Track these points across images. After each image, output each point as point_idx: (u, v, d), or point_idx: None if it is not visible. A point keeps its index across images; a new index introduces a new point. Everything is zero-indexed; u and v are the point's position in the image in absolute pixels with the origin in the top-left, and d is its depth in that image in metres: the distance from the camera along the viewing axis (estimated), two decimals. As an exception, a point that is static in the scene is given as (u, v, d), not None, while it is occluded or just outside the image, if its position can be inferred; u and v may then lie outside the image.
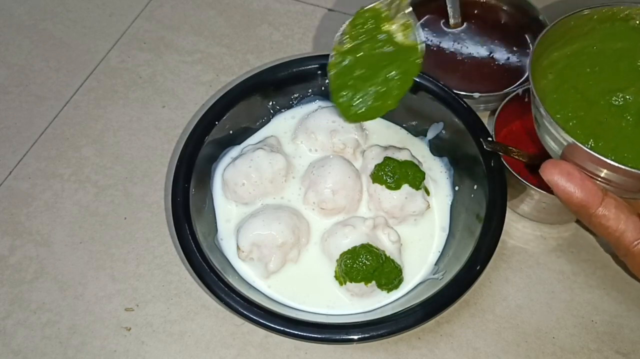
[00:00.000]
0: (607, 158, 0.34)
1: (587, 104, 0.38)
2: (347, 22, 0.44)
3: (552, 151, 0.39)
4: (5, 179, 0.56)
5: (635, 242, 0.36)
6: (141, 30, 0.67)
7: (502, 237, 0.43)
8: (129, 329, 0.47)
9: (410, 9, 0.43)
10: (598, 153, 0.34)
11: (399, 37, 0.43)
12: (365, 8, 0.43)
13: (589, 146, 0.36)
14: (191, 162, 0.48)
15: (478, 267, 0.42)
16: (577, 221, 0.51)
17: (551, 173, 0.37)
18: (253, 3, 0.69)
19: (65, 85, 0.62)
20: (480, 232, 0.44)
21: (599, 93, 0.38)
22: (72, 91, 0.62)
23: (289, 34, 0.66)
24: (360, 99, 0.43)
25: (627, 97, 0.37)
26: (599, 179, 0.36)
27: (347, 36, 0.43)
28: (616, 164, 0.33)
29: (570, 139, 0.35)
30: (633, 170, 0.33)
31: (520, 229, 0.51)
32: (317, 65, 0.52)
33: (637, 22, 0.40)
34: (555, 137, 0.37)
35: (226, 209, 0.50)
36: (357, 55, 0.43)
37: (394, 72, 0.43)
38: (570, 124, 0.37)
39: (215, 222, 0.49)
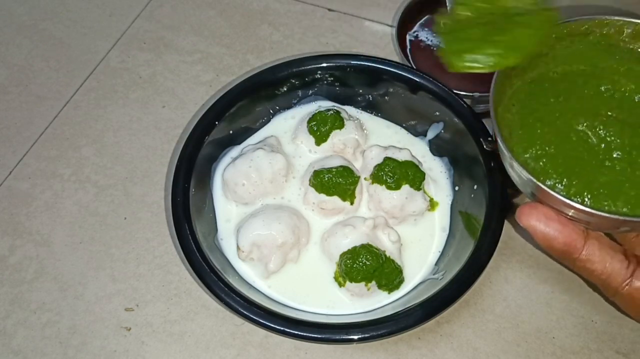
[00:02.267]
0: (583, 202, 0.32)
1: (556, 138, 0.36)
2: None
3: (518, 185, 0.37)
4: (5, 179, 0.56)
5: (624, 284, 0.35)
6: (141, 30, 0.67)
7: (502, 237, 0.43)
8: (129, 329, 0.47)
9: None
10: (571, 198, 0.32)
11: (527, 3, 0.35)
12: None
13: (562, 186, 0.34)
14: (191, 162, 0.48)
15: (478, 268, 0.42)
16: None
17: (528, 219, 0.35)
18: (253, 3, 0.69)
19: (65, 85, 0.62)
20: (480, 232, 0.44)
21: (566, 125, 0.36)
22: (72, 90, 0.62)
23: (289, 34, 0.66)
24: (475, 49, 0.34)
25: (596, 128, 0.35)
26: (577, 220, 0.35)
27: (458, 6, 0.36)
28: (592, 211, 0.32)
29: (541, 185, 0.33)
30: (611, 216, 0.32)
31: (520, 229, 0.51)
32: (317, 66, 0.52)
33: (597, 35, 0.39)
34: (524, 182, 0.35)
35: (226, 209, 0.50)
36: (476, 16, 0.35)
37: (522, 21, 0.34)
38: (541, 163, 0.35)
39: (215, 222, 0.49)
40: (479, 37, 0.34)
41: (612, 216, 0.32)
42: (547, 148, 0.36)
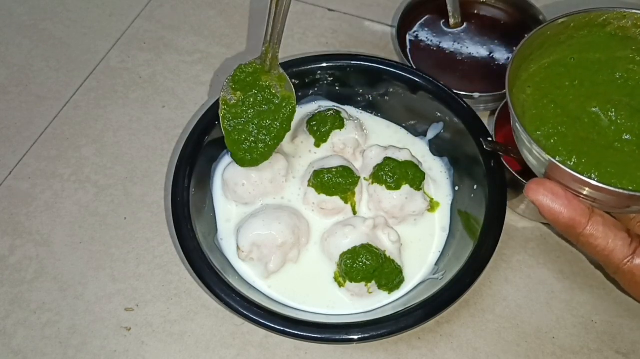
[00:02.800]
0: (590, 178, 0.33)
1: (568, 119, 0.37)
2: (229, 77, 0.47)
3: (534, 167, 0.38)
4: (5, 179, 0.56)
5: (625, 260, 0.36)
6: (141, 30, 0.67)
7: (502, 237, 0.43)
8: (129, 329, 0.47)
9: (280, 68, 0.47)
10: (580, 173, 0.33)
11: (277, 88, 0.47)
12: (245, 64, 0.47)
13: (571, 163, 0.35)
14: (191, 162, 0.48)
15: (478, 268, 0.42)
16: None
17: (536, 193, 0.36)
18: (253, 3, 0.69)
19: (65, 85, 0.62)
20: (480, 232, 0.44)
21: (579, 107, 0.37)
22: (72, 91, 0.62)
23: (289, 34, 0.66)
24: (249, 148, 0.47)
25: (608, 111, 0.37)
26: (584, 197, 0.35)
27: (232, 90, 0.47)
28: (600, 184, 0.33)
29: (552, 160, 0.34)
30: (617, 190, 0.32)
31: (520, 229, 0.51)
32: (317, 66, 0.52)
33: (615, 27, 0.40)
34: (536, 156, 0.36)
35: (226, 209, 0.50)
36: (244, 109, 0.47)
37: (275, 122, 0.47)
38: (552, 141, 0.36)
39: (215, 222, 0.49)
40: (248, 145, 0.47)
41: (620, 190, 0.33)
42: (559, 127, 0.37)
